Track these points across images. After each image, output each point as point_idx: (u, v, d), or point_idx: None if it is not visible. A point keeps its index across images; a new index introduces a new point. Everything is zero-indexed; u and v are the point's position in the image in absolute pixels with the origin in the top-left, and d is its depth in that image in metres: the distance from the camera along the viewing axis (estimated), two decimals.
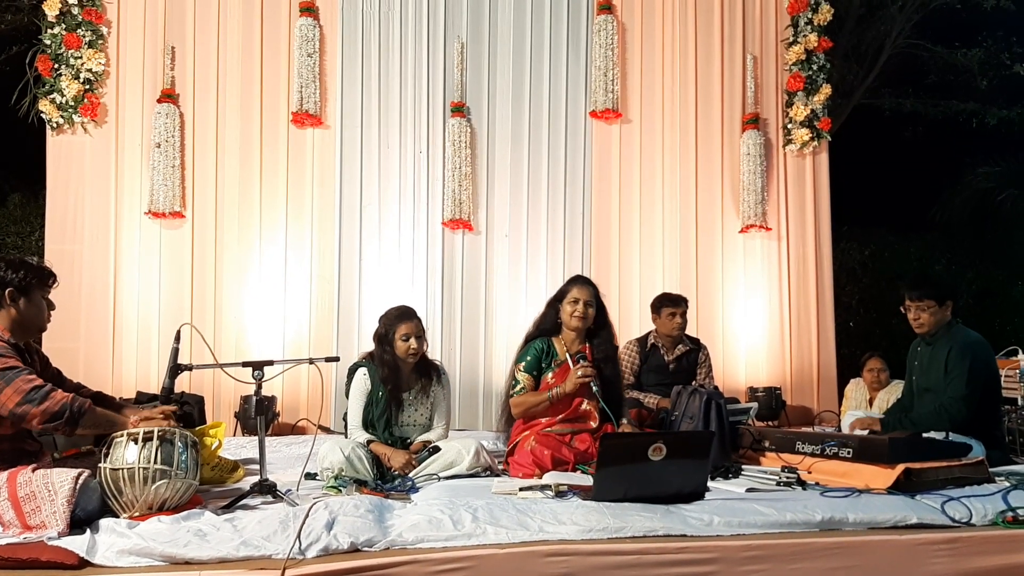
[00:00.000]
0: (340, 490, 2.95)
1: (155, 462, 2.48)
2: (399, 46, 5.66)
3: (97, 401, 2.76)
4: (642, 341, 4.82)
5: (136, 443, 2.50)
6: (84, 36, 5.28)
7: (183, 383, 4.98)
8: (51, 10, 5.27)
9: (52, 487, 2.36)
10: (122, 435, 2.53)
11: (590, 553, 2.30)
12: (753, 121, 5.94)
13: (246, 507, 2.69)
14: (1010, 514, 2.60)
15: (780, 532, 2.47)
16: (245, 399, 5.09)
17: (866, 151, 8.84)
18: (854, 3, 8.25)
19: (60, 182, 5.34)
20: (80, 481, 2.39)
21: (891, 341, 6.93)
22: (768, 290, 5.95)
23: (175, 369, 2.84)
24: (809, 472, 3.18)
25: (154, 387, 4.97)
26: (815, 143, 6.01)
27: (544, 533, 2.37)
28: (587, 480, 2.90)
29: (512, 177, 5.73)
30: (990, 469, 3.10)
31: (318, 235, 5.54)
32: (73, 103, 5.25)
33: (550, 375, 3.55)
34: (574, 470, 3.23)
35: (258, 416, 2.94)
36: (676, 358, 4.75)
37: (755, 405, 4.70)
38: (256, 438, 2.96)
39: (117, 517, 2.45)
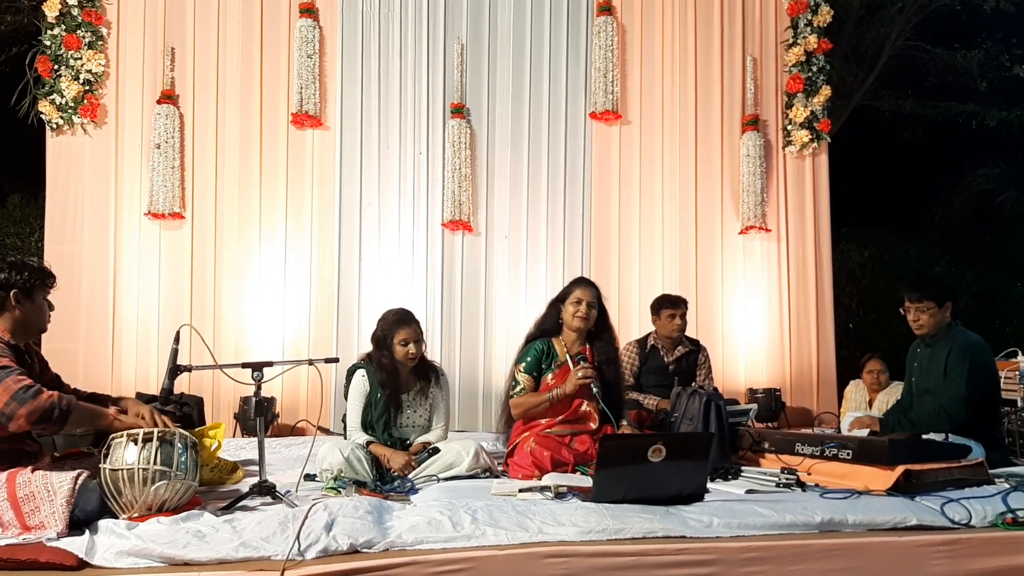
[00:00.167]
0: (339, 491, 2.95)
1: (154, 463, 2.48)
2: (399, 47, 5.66)
3: (94, 401, 2.77)
4: (642, 342, 4.82)
5: (136, 444, 2.50)
6: (84, 37, 5.28)
7: (182, 384, 4.98)
8: (51, 11, 5.27)
9: (51, 488, 2.36)
10: (121, 436, 2.53)
11: (589, 554, 2.29)
12: (753, 122, 5.94)
13: (245, 508, 2.69)
14: (1010, 516, 2.59)
15: (779, 533, 2.47)
16: (244, 400, 5.09)
17: (866, 153, 8.85)
18: (854, 5, 8.25)
19: (60, 183, 5.34)
20: (79, 482, 2.39)
21: (891, 342, 6.93)
22: (768, 291, 5.95)
23: (174, 370, 2.84)
24: (808, 473, 3.18)
25: (154, 388, 4.96)
26: (815, 144, 6.01)
27: (543, 534, 2.37)
28: (587, 481, 2.90)
29: (512, 178, 5.73)
30: (990, 471, 3.10)
31: (318, 236, 5.54)
32: (73, 104, 5.25)
33: (550, 376, 3.55)
34: (573, 471, 3.23)
35: (257, 417, 2.94)
36: (676, 359, 4.75)
37: (755, 406, 4.71)
38: (255, 439, 2.96)
39: (116, 518, 2.45)
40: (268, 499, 2.80)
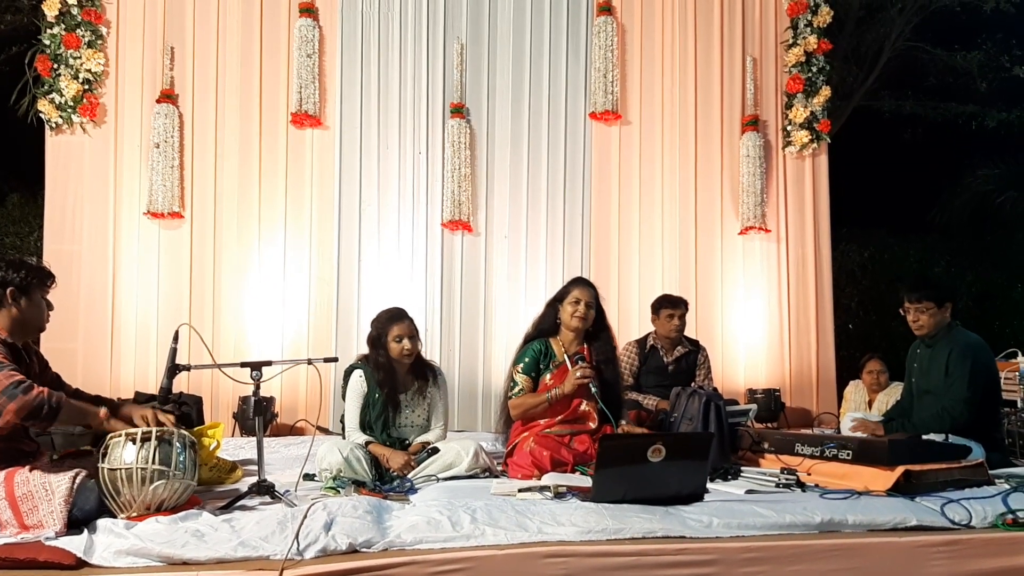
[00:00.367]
0: (339, 491, 2.94)
1: (153, 462, 2.48)
2: (399, 47, 5.66)
3: (96, 404, 2.77)
4: (641, 343, 4.82)
5: (134, 443, 2.49)
6: (83, 36, 5.28)
7: (181, 383, 4.97)
8: (50, 10, 5.27)
9: (49, 487, 2.35)
10: (120, 435, 2.52)
11: (589, 554, 2.29)
12: (752, 123, 5.94)
13: (244, 508, 2.68)
14: (1010, 516, 2.59)
15: (779, 534, 2.47)
16: (243, 400, 5.09)
17: (865, 153, 8.84)
18: (854, 5, 8.25)
19: (59, 182, 5.33)
20: (77, 481, 2.39)
21: (890, 343, 6.93)
22: (767, 292, 5.94)
23: (173, 369, 2.83)
24: (808, 474, 3.18)
25: (152, 387, 4.96)
26: (814, 145, 6.01)
27: (543, 534, 2.37)
28: (586, 481, 2.90)
29: (512, 178, 5.72)
30: (990, 471, 3.10)
31: (317, 236, 5.53)
32: (72, 103, 5.25)
33: (548, 376, 3.55)
34: (573, 471, 3.23)
35: (256, 417, 2.94)
36: (675, 359, 4.74)
37: (754, 407, 4.70)
38: (254, 439, 2.96)
39: (115, 517, 2.44)
40: (267, 499, 2.79)
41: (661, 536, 2.39)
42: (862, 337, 7.69)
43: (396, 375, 3.50)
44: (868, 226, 8.60)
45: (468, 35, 5.74)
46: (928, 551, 2.45)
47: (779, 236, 5.98)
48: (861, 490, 2.86)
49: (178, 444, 2.56)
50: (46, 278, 2.75)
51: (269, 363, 3.05)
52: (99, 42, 5.34)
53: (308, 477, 3.23)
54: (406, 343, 3.44)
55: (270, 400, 5.11)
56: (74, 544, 2.21)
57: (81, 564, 2.16)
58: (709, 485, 2.93)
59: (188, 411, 4.37)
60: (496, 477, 3.32)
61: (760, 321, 5.92)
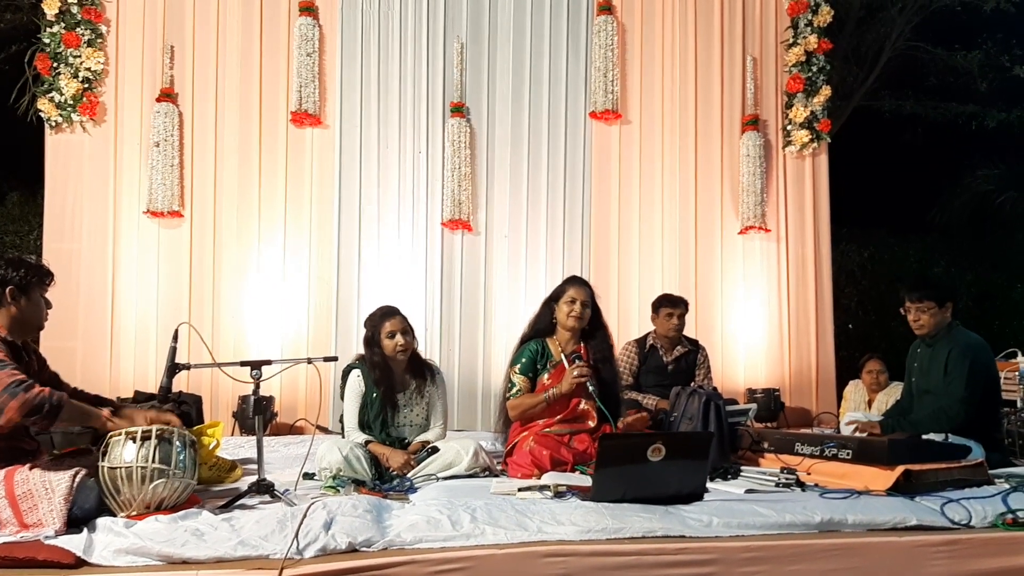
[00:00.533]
0: (338, 490, 2.94)
1: (153, 461, 2.47)
2: (399, 46, 5.66)
3: (97, 404, 2.77)
4: (641, 342, 4.82)
5: (134, 442, 2.49)
6: (83, 35, 5.27)
7: (181, 382, 4.96)
8: (50, 9, 5.27)
9: (49, 485, 2.35)
10: (120, 434, 2.52)
11: (589, 554, 2.29)
12: (753, 122, 5.94)
13: (244, 507, 2.68)
14: (1010, 516, 2.59)
15: (779, 533, 2.47)
16: (243, 399, 5.08)
17: (866, 153, 8.84)
18: (854, 5, 8.24)
19: (59, 181, 5.33)
20: (77, 480, 2.38)
21: (890, 343, 6.93)
22: (767, 292, 5.94)
23: (173, 368, 2.83)
24: (808, 473, 3.18)
25: (152, 386, 4.95)
26: (815, 145, 6.01)
27: (543, 534, 2.37)
28: (586, 481, 2.90)
29: (512, 178, 5.72)
30: (989, 471, 3.10)
31: (317, 235, 5.53)
32: (72, 102, 5.24)
33: (546, 376, 3.54)
34: (573, 470, 3.23)
35: (256, 416, 2.93)
36: (675, 359, 4.74)
37: (754, 406, 4.69)
38: (254, 438, 2.96)
39: (114, 516, 2.44)
40: (267, 498, 2.79)
41: (661, 535, 2.38)
42: (862, 337, 7.68)
43: (393, 374, 3.49)
44: (868, 226, 8.61)
45: (468, 34, 5.74)
46: (928, 551, 2.44)
47: (779, 236, 5.98)
48: (861, 490, 2.86)
49: (178, 443, 2.56)
50: (45, 276, 2.76)
51: (269, 362, 3.05)
52: (99, 41, 5.34)
53: (308, 476, 3.22)
54: (399, 338, 3.44)
55: (270, 399, 5.11)
56: (74, 543, 2.21)
57: (81, 563, 2.15)
58: (709, 484, 2.92)
59: (188, 410, 4.37)
60: (496, 476, 3.31)
61: (760, 321, 5.92)
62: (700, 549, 2.34)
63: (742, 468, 3.33)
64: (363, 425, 3.47)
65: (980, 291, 8.46)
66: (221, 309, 5.41)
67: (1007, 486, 2.92)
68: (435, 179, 5.63)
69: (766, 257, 5.97)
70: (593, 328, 3.62)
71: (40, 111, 5.28)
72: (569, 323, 3.54)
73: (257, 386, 2.94)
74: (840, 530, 2.51)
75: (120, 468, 2.46)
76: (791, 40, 6.04)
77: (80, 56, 5.26)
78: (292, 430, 5.17)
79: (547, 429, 3.44)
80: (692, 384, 4.59)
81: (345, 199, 5.54)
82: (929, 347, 3.77)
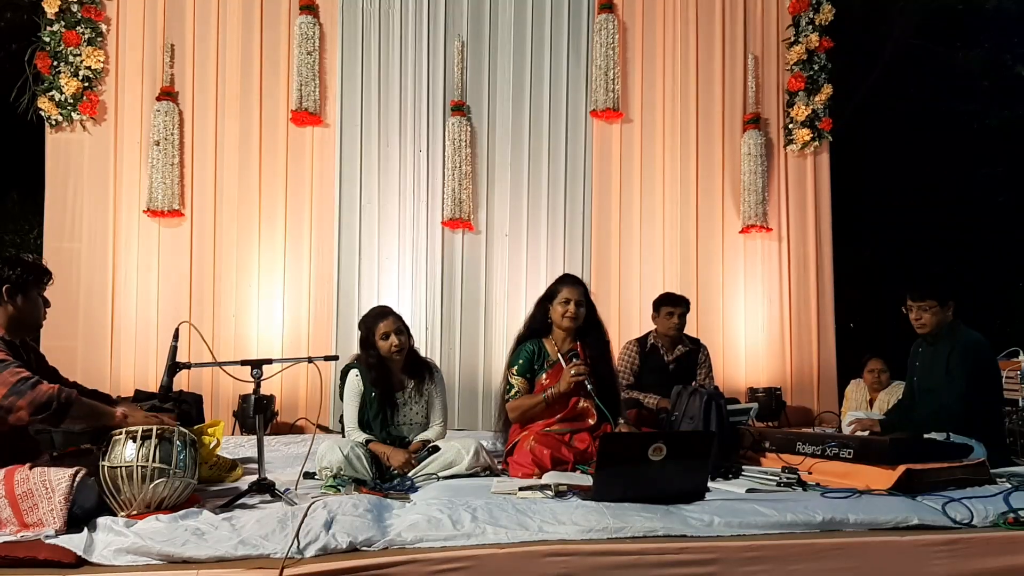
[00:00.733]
0: (339, 489, 2.94)
1: (153, 460, 2.47)
2: (399, 44, 5.65)
3: (96, 399, 2.75)
4: (642, 341, 4.81)
5: (135, 441, 2.49)
6: (83, 33, 5.27)
7: (181, 381, 4.97)
8: (50, 7, 5.26)
9: (49, 485, 2.34)
10: (120, 433, 2.52)
11: (590, 553, 2.28)
12: (754, 121, 5.93)
13: (244, 506, 2.68)
14: (1011, 515, 2.58)
15: (780, 533, 2.46)
16: (244, 398, 5.08)
17: (867, 152, 8.80)
18: (855, 3, 8.22)
19: (59, 180, 5.33)
20: (77, 479, 2.38)
21: (892, 342, 6.91)
22: (768, 290, 5.94)
23: (173, 367, 2.83)
24: (810, 473, 3.17)
25: (152, 385, 4.96)
26: (816, 143, 6.00)
27: (543, 533, 2.36)
28: (587, 480, 2.89)
29: (512, 176, 5.72)
30: (991, 470, 3.09)
31: (317, 234, 5.53)
32: (72, 101, 5.24)
33: (544, 376, 3.54)
34: (573, 470, 3.22)
35: (256, 415, 2.93)
36: (676, 358, 4.73)
37: (755, 405, 4.69)
38: (254, 437, 2.95)
39: (115, 515, 2.44)
40: (267, 497, 2.78)
41: (662, 535, 2.38)
42: (863, 336, 7.67)
43: (390, 374, 3.49)
44: (869, 224, 8.57)
45: (469, 33, 5.73)
46: (930, 550, 2.44)
47: (780, 234, 5.98)
48: (862, 489, 2.85)
49: (178, 442, 2.56)
50: (42, 275, 2.75)
51: (269, 361, 3.05)
52: (99, 39, 5.34)
53: (308, 475, 3.22)
54: (393, 339, 3.44)
55: (270, 398, 5.11)
56: (74, 542, 2.20)
57: (81, 562, 2.15)
58: (710, 484, 2.91)
59: (188, 409, 4.36)
60: (497, 476, 3.30)
61: (761, 320, 5.91)
62: (701, 549, 2.34)
63: (743, 467, 3.32)
64: (363, 424, 3.47)
65: (980, 291, 8.44)
66: (221, 308, 5.40)
67: (1009, 485, 2.92)
68: (436, 178, 5.62)
69: (767, 256, 5.97)
70: (588, 326, 3.61)
71: (40, 110, 5.28)
72: (564, 323, 3.54)
73: (258, 385, 2.93)
74: (842, 530, 2.50)
75: (120, 467, 2.45)
76: (792, 38, 6.03)
77: (80, 55, 5.26)
78: (293, 429, 5.16)
79: (547, 428, 3.43)
80: (693, 383, 4.59)
81: (345, 198, 5.54)
82: (931, 345, 3.77)
